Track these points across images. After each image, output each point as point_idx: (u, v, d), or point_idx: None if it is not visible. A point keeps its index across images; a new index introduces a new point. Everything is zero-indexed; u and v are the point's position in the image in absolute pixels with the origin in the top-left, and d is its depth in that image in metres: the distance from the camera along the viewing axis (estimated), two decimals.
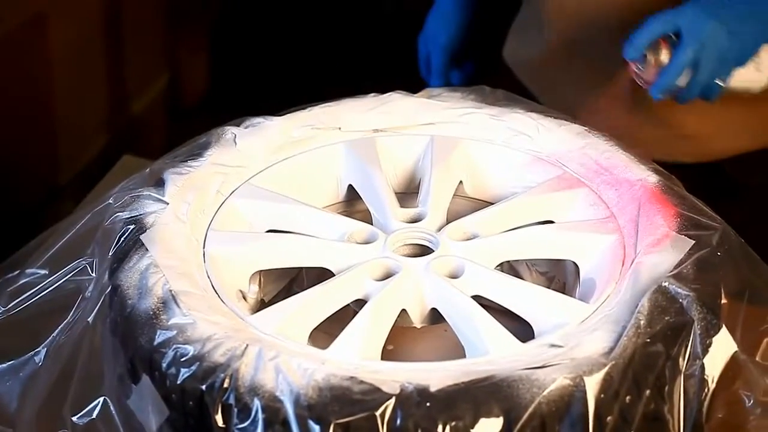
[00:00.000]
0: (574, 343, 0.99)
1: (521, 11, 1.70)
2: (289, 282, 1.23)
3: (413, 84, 1.37)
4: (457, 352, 1.06)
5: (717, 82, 1.38)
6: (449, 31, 1.80)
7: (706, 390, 1.01)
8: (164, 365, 0.98)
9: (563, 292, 1.13)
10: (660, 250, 1.08)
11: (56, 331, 1.09)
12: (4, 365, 1.10)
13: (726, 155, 1.60)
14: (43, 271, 1.14)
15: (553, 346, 1.00)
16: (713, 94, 1.40)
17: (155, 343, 1.00)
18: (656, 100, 1.39)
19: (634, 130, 1.56)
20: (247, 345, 0.98)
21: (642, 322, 0.99)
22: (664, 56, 1.37)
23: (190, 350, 0.98)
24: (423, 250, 1.16)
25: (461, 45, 1.81)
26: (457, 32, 1.80)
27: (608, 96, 1.59)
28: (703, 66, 1.35)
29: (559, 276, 1.21)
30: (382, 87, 1.33)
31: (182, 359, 0.98)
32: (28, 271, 1.14)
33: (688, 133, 1.57)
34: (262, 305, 1.17)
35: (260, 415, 0.93)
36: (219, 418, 0.95)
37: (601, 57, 1.55)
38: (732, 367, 1.02)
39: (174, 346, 0.99)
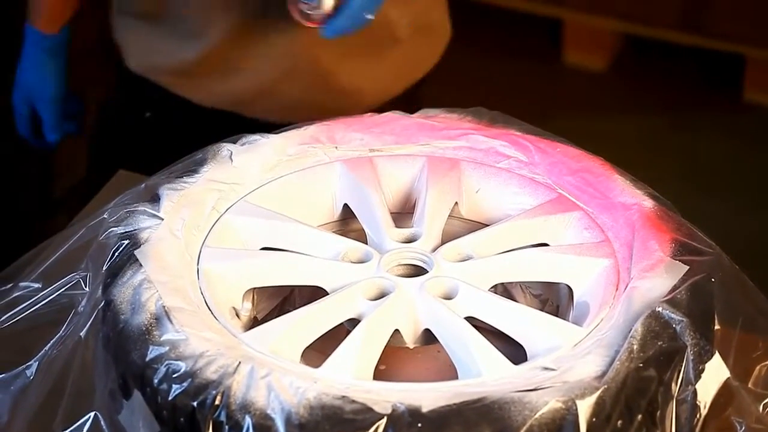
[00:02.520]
0: (567, 366, 0.99)
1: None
2: (282, 300, 1.22)
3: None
4: (450, 373, 1.05)
5: (366, 15, 1.44)
6: (53, 81, 1.75)
7: (698, 416, 1.00)
8: (156, 381, 0.98)
9: (557, 315, 1.13)
10: (654, 275, 1.07)
11: (48, 345, 1.09)
12: None
13: (378, 104, 1.66)
14: (36, 285, 1.13)
15: (545, 369, 0.99)
16: (360, 27, 1.45)
17: (147, 358, 0.99)
18: (329, 38, 1.45)
19: (284, 89, 1.64)
20: (240, 362, 0.98)
21: (635, 347, 0.99)
22: None
23: (182, 366, 0.98)
24: (417, 271, 1.15)
25: (67, 93, 1.78)
26: (61, 80, 1.75)
27: (257, 55, 1.63)
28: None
29: (553, 299, 1.21)
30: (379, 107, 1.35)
31: (174, 375, 0.97)
32: (22, 284, 1.14)
33: (343, 88, 1.66)
34: (255, 323, 1.17)
35: None
36: None
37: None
38: (724, 394, 1.02)
39: (166, 362, 0.98)
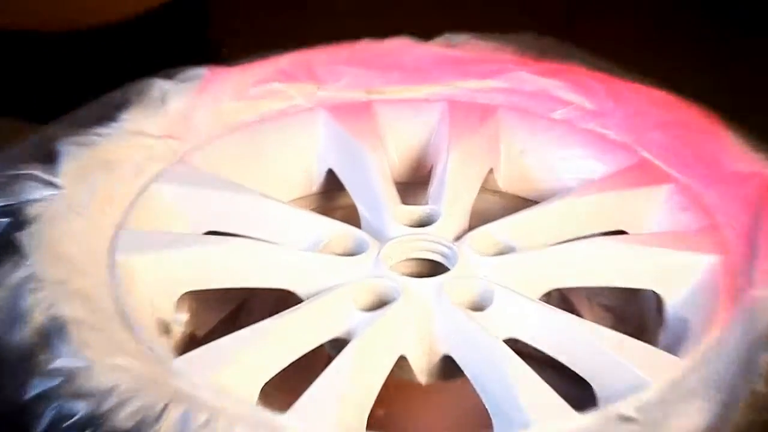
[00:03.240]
0: (658, 415, 0.92)
1: None
2: (234, 310, 1.18)
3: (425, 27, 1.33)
4: (481, 421, 0.98)
5: None
6: None
7: None
8: (40, 430, 0.91)
9: (639, 338, 1.05)
10: None
11: None
12: None
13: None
14: None
15: (624, 419, 0.92)
16: None
17: (28, 396, 0.92)
18: None
19: None
20: (167, 404, 0.91)
21: (760, 389, 0.92)
22: None
23: (81, 409, 0.90)
24: (433, 268, 1.10)
25: None
26: None
27: None
28: None
29: (634, 313, 1.15)
30: (381, 31, 1.30)
31: (68, 422, 0.90)
32: None
33: None
34: (192, 342, 1.10)
35: None
36: None
37: None
38: None
39: (56, 404, 0.91)
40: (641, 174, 1.15)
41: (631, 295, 1.15)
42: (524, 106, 1.21)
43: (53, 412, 0.91)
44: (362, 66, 1.25)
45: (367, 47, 1.27)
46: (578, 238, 1.12)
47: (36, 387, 0.92)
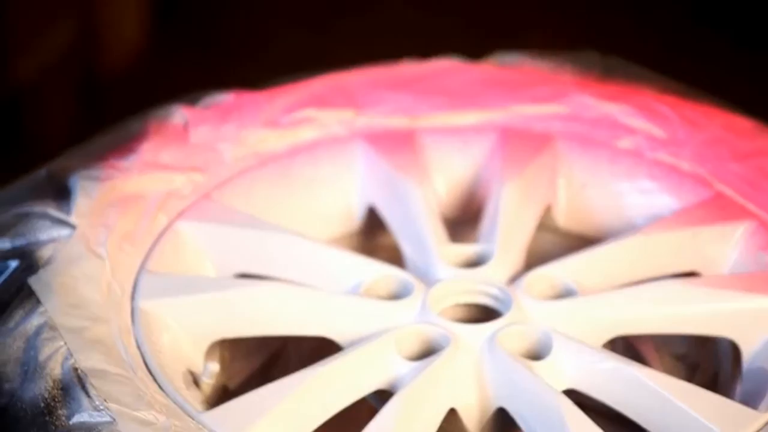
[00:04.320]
0: None
1: None
2: (268, 359, 1.22)
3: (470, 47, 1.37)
4: None
5: None
6: None
7: None
8: None
9: (714, 390, 1.08)
10: None
11: None
12: None
13: None
14: None
15: None
16: None
17: None
18: None
19: None
20: None
21: None
22: None
23: None
24: (485, 313, 1.13)
25: None
26: None
27: None
28: None
29: (707, 363, 1.19)
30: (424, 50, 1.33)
31: None
32: None
33: None
34: (224, 395, 1.14)
35: None
36: None
37: None
38: None
39: None
40: (717, 209, 1.17)
41: (704, 343, 1.18)
42: (586, 134, 1.24)
43: None
44: (405, 90, 1.27)
45: (409, 69, 1.30)
46: (646, 281, 1.14)
47: None
